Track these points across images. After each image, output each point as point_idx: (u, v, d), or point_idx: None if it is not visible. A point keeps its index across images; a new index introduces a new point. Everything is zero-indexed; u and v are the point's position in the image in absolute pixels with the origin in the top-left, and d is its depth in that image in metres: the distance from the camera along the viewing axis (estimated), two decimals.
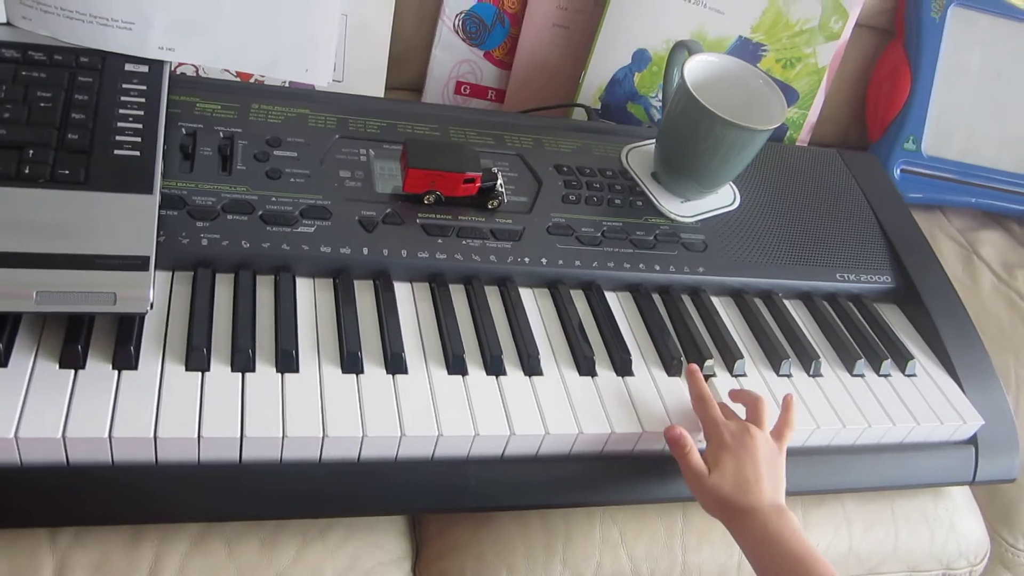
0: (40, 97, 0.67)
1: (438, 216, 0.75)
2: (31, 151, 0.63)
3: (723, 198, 0.88)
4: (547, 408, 0.66)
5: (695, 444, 0.65)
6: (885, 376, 0.80)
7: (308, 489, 0.60)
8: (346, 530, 0.66)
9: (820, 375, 0.77)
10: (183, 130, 0.74)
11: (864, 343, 0.81)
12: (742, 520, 0.61)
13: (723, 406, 0.69)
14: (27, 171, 0.62)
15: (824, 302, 0.85)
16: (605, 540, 0.71)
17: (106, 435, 0.54)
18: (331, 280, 0.70)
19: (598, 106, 1.04)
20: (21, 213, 0.59)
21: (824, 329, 0.83)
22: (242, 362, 0.61)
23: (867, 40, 1.16)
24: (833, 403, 0.75)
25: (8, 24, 0.72)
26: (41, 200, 0.60)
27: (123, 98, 0.69)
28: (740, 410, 0.69)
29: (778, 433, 0.67)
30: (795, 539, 0.59)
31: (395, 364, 0.65)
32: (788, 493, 0.64)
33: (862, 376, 0.79)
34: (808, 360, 0.77)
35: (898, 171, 1.14)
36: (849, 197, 0.96)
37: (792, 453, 0.67)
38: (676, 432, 0.65)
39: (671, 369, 0.73)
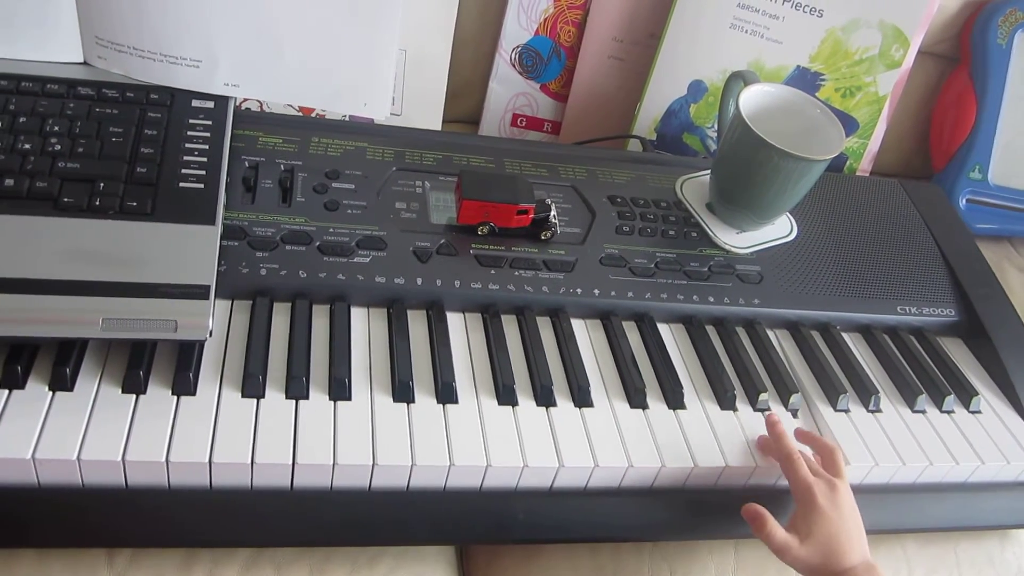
0: (112, 132, 0.70)
1: (491, 247, 0.76)
2: (102, 184, 0.66)
3: (780, 229, 0.87)
4: (597, 440, 0.66)
5: (772, 518, 0.63)
6: (948, 412, 0.77)
7: (357, 517, 0.61)
8: (394, 560, 0.66)
9: (879, 410, 0.75)
10: (246, 163, 0.76)
11: (926, 378, 0.79)
12: None
13: (806, 456, 0.66)
14: (98, 203, 0.64)
15: (884, 335, 0.83)
16: None
17: (163, 459, 0.56)
18: (385, 310, 0.71)
19: (653, 137, 1.04)
20: (91, 243, 0.62)
21: (884, 363, 0.81)
22: (296, 390, 0.62)
23: (931, 67, 1.14)
24: (893, 440, 0.73)
25: (85, 63, 0.76)
26: (110, 231, 0.63)
27: (189, 133, 0.72)
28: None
29: (841, 475, 0.65)
30: None
31: (446, 394, 0.65)
32: None
33: (923, 412, 0.77)
34: (867, 395, 0.76)
35: (964, 201, 1.11)
36: (911, 228, 0.93)
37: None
38: (753, 510, 0.63)
39: (724, 402, 0.72)
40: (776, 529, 0.62)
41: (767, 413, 0.71)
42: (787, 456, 0.66)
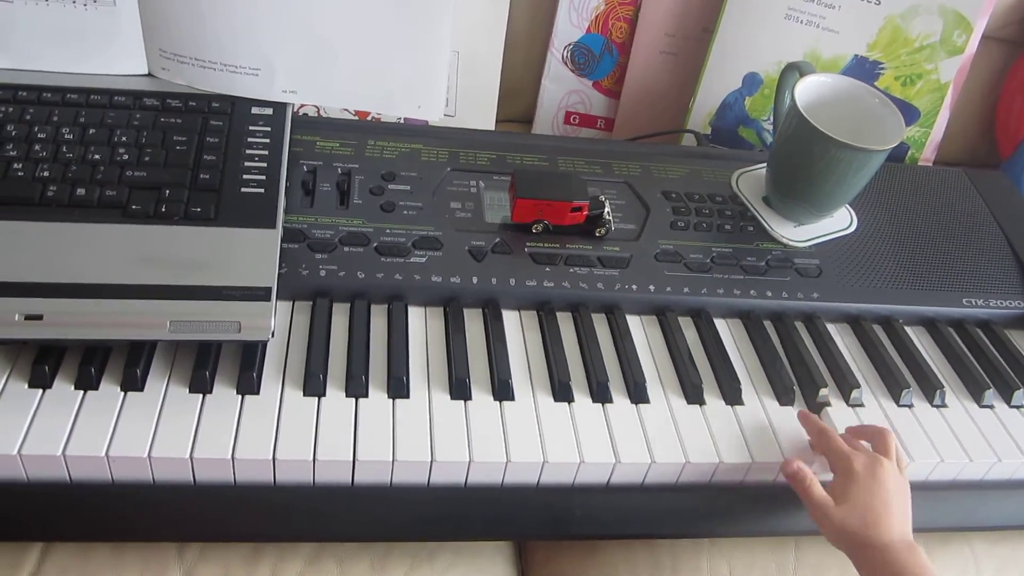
0: (176, 141, 0.72)
1: (546, 245, 0.76)
2: (167, 191, 0.68)
3: (839, 222, 0.86)
4: (653, 436, 0.66)
5: (815, 476, 0.63)
6: (1018, 407, 0.75)
7: (416, 513, 0.62)
8: (453, 555, 0.67)
9: (944, 405, 0.74)
10: (304, 167, 0.78)
11: (994, 372, 0.77)
12: (869, 554, 0.59)
13: (846, 436, 0.66)
14: (164, 209, 0.67)
15: (949, 329, 0.81)
16: (713, 574, 0.70)
17: (230, 456, 0.58)
18: (442, 309, 0.72)
19: (708, 131, 1.03)
20: (158, 248, 0.64)
21: (949, 357, 0.79)
22: (356, 388, 0.64)
23: (996, 53, 1.11)
24: (959, 435, 0.71)
25: (149, 75, 0.78)
26: (175, 236, 0.65)
27: (250, 139, 0.74)
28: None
29: (889, 455, 0.64)
30: None
31: (503, 391, 0.66)
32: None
33: (991, 407, 0.75)
34: (931, 389, 0.74)
35: None
36: (977, 218, 0.91)
37: (914, 487, 0.64)
38: (794, 466, 0.63)
39: (783, 398, 0.71)
40: (816, 487, 0.62)
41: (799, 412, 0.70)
42: (818, 431, 0.66)
